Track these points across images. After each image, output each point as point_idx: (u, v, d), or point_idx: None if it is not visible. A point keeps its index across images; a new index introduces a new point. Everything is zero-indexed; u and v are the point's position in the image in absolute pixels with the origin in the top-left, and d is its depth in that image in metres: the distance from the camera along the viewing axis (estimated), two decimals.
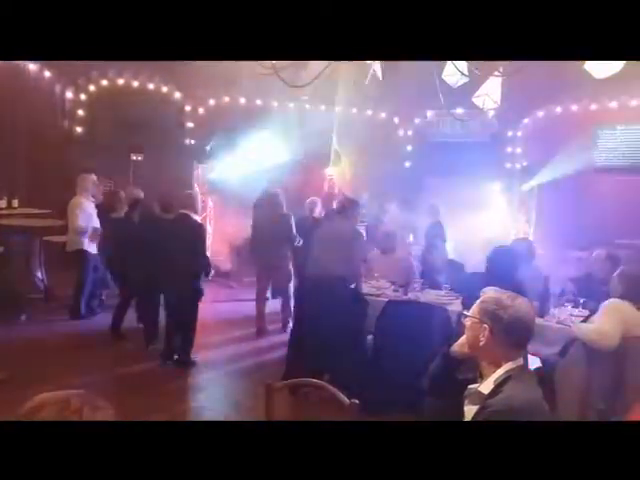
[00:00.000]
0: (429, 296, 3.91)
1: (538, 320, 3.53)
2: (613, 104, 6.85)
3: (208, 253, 4.36)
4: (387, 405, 2.91)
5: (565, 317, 3.52)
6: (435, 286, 4.12)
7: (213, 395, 3.90)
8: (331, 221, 4.15)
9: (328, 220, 4.04)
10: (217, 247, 7.40)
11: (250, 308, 5.37)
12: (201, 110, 7.52)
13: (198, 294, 4.26)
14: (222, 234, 7.44)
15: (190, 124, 7.49)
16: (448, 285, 4.00)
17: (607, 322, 2.89)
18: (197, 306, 4.26)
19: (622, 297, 3.03)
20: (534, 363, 3.65)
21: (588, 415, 2.85)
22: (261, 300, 5.30)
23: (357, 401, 1.79)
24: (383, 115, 7.93)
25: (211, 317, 5.35)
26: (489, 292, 1.73)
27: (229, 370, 4.29)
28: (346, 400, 1.80)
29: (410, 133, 7.98)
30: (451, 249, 5.76)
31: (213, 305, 5.70)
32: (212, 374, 4.20)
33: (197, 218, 4.31)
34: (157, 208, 4.79)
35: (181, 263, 4.09)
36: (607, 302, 3.02)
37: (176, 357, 4.23)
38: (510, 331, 1.60)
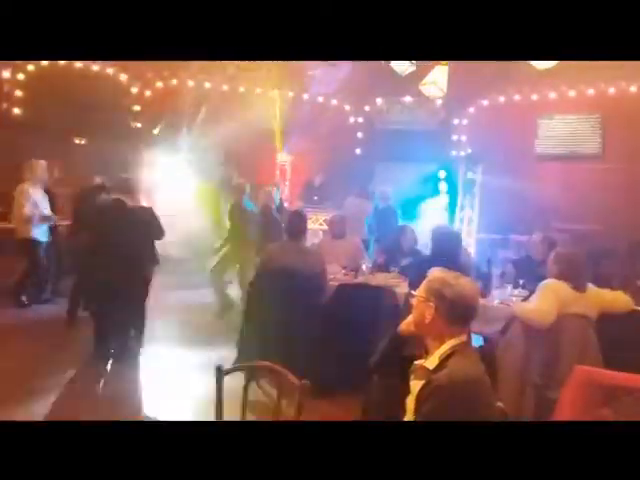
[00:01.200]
0: (379, 279, 4.01)
1: (481, 300, 3.71)
2: (552, 95, 7.17)
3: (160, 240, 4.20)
4: (338, 385, 2.98)
5: (506, 297, 3.70)
6: (384, 269, 4.23)
7: (164, 384, 3.84)
8: (287, 254, 3.81)
9: (284, 253, 3.81)
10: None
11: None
12: (148, 93, 7.29)
13: (146, 283, 4.16)
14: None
15: (136, 107, 7.25)
16: (396, 268, 4.10)
17: (544, 301, 3.06)
18: (146, 295, 4.16)
19: (558, 277, 3.20)
20: (478, 341, 3.83)
21: (526, 389, 3.02)
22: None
23: (308, 382, 1.82)
24: (334, 102, 7.97)
25: (163, 304, 5.29)
26: (435, 272, 1.81)
27: (180, 358, 4.24)
28: (296, 381, 1.84)
29: (361, 120, 8.06)
30: None
31: (165, 292, 5.62)
32: (163, 363, 4.13)
33: (135, 203, 4.09)
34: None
35: (127, 253, 3.95)
36: (544, 282, 3.19)
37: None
38: (454, 308, 1.69)
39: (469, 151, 7.53)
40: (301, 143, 7.64)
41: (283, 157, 7.84)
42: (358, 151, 8.00)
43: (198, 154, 7.12)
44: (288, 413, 1.82)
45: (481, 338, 3.76)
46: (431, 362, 1.67)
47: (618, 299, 3.31)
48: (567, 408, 2.11)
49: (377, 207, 6.55)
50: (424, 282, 1.81)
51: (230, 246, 5.37)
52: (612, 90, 6.81)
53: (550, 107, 7.23)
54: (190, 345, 4.48)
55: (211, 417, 1.89)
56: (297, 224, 3.86)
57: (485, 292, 3.80)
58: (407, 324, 1.86)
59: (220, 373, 1.93)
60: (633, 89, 6.73)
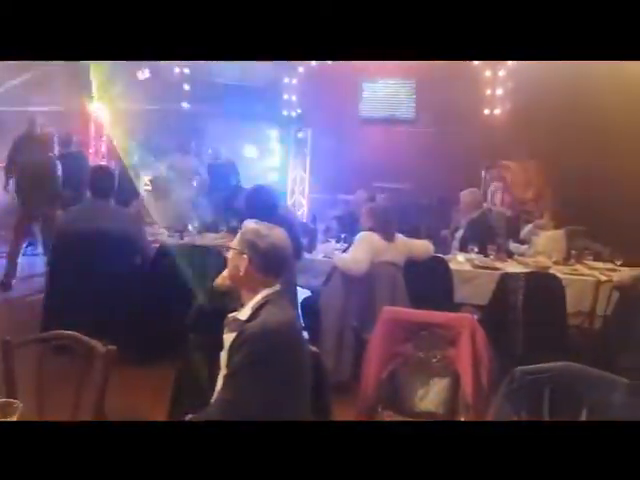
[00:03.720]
0: (206, 239, 3.91)
1: (306, 255, 3.86)
2: None
3: None
4: (160, 350, 2.89)
5: (329, 251, 3.89)
6: (212, 229, 4.13)
7: None
8: (91, 215, 3.42)
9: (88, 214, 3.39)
10: None
11: None
12: None
13: None
14: None
15: None
16: (224, 228, 4.04)
17: (358, 251, 3.28)
18: None
19: (371, 229, 3.45)
20: (305, 294, 3.99)
21: (344, 332, 3.23)
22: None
23: (114, 347, 1.70)
24: None
25: None
26: (248, 224, 1.78)
27: None
28: (102, 348, 1.70)
29: (187, 71, 7.54)
30: None
31: None
32: None
33: None
34: None
35: None
36: (359, 234, 3.42)
37: None
38: (267, 259, 1.68)
39: (299, 111, 7.64)
40: (118, 93, 6.93)
41: (98, 107, 6.99)
42: (185, 105, 7.56)
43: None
44: (94, 382, 1.68)
45: (309, 291, 3.93)
46: (244, 313, 1.65)
47: (423, 247, 3.69)
48: (375, 345, 2.29)
49: (210, 165, 6.34)
50: (238, 234, 1.77)
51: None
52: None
53: (373, 71, 7.56)
54: None
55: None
56: (103, 181, 3.49)
57: (310, 247, 3.96)
58: (222, 278, 1.82)
59: (8, 346, 1.70)
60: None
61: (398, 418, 2.31)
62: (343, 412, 2.36)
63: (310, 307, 3.55)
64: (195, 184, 6.01)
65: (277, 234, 1.71)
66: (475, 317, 3.54)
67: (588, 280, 3.72)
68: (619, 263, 4.00)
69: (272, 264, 1.69)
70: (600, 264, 4.12)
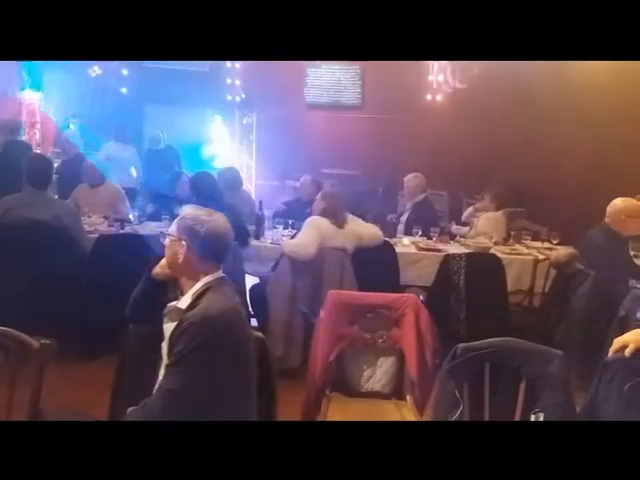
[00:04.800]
0: (148, 228, 3.79)
1: (254, 242, 3.82)
2: None
3: None
4: (91, 345, 2.81)
5: (277, 237, 3.86)
6: (155, 218, 4.01)
7: None
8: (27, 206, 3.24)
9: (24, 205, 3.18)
10: None
11: None
12: None
13: None
14: None
15: None
16: (167, 215, 3.92)
17: (306, 235, 3.28)
18: None
19: (321, 214, 3.44)
20: (254, 281, 3.95)
21: (293, 318, 3.23)
22: None
23: (49, 341, 1.62)
24: None
25: None
26: (187, 209, 1.72)
27: None
28: (35, 343, 1.61)
29: None
30: None
31: None
32: None
33: None
34: None
35: None
36: (308, 219, 3.41)
37: None
38: (207, 245, 1.63)
39: (243, 96, 7.50)
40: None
41: (29, 95, 6.59)
42: (124, 90, 7.26)
43: None
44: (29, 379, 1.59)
45: (257, 279, 3.89)
46: (184, 301, 1.60)
47: (372, 233, 3.72)
48: (322, 328, 2.30)
49: (150, 151, 6.13)
50: (176, 220, 1.71)
51: None
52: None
53: None
54: None
55: None
56: (41, 171, 3.33)
57: (258, 234, 3.92)
58: (161, 266, 1.76)
59: None
60: None
61: (346, 399, 2.33)
62: (292, 397, 2.37)
63: (258, 294, 3.52)
64: (133, 172, 5.80)
65: (217, 219, 1.67)
66: (421, 297, 3.65)
67: (526, 259, 3.87)
68: (556, 242, 4.18)
69: (212, 250, 1.65)
70: (538, 243, 4.30)
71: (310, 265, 3.25)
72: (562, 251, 3.58)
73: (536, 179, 6.12)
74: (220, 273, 1.68)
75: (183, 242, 1.63)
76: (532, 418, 1.18)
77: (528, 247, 4.18)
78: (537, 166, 6.22)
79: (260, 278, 3.82)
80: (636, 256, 3.80)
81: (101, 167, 4.30)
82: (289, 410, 2.24)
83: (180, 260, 1.64)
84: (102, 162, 4.54)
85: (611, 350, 1.91)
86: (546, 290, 3.65)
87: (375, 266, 3.58)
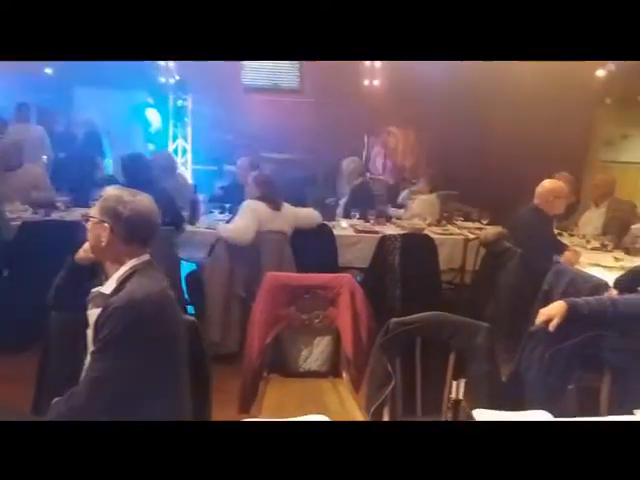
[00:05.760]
0: (75, 214, 3.61)
1: (189, 227, 3.73)
2: None
3: None
4: (15, 335, 2.67)
5: (213, 222, 3.79)
6: (82, 204, 3.82)
7: None
8: None
9: None
10: None
11: None
12: None
13: None
14: None
15: None
16: (97, 201, 3.75)
17: (242, 220, 3.23)
18: None
19: (257, 198, 3.41)
20: (190, 267, 3.87)
21: (230, 303, 3.20)
22: None
23: None
24: None
25: None
26: (109, 190, 1.64)
27: None
28: None
29: None
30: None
31: None
32: None
33: None
34: None
35: None
36: (244, 203, 3.37)
37: None
38: (131, 226, 1.57)
39: (177, 78, 7.25)
40: None
41: None
42: (48, 70, 6.82)
43: None
44: None
45: (194, 265, 3.81)
46: (108, 286, 1.54)
47: (309, 215, 3.73)
48: (258, 311, 2.29)
49: (75, 137, 5.82)
50: (97, 202, 1.63)
51: None
52: None
53: None
54: None
55: None
56: None
57: (193, 219, 3.82)
58: (84, 251, 1.68)
59: None
60: None
61: (283, 380, 2.34)
62: (230, 381, 2.35)
63: (194, 281, 3.45)
64: (45, 155, 5.46)
65: (141, 200, 1.60)
66: (358, 279, 3.71)
67: (458, 239, 4.02)
68: (485, 222, 4.37)
69: (137, 232, 1.58)
70: (469, 224, 4.48)
71: (248, 249, 3.22)
72: (490, 230, 3.74)
73: (468, 163, 6.35)
74: (147, 256, 1.62)
75: (105, 224, 1.56)
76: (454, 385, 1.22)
77: (460, 227, 4.34)
78: (469, 150, 6.45)
79: (196, 264, 3.75)
80: (560, 234, 4.05)
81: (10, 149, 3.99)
82: (227, 395, 2.23)
83: (103, 243, 1.56)
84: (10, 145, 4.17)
85: (536, 322, 2.03)
86: (476, 268, 3.81)
87: (314, 249, 3.60)
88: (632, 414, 1.56)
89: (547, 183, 3.46)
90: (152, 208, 1.62)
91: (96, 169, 4.08)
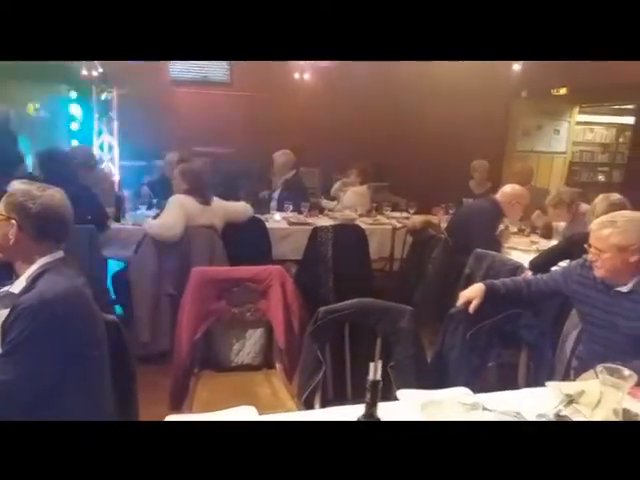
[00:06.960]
0: None
1: (114, 225, 3.59)
2: None
3: None
4: None
5: (140, 219, 3.66)
6: None
7: None
8: None
9: None
10: None
11: None
12: None
13: None
14: None
15: None
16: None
17: (169, 215, 3.14)
18: None
19: (185, 192, 3.32)
20: (117, 267, 3.73)
21: (160, 301, 3.11)
22: None
23: None
24: None
25: None
26: (16, 184, 1.55)
27: None
28: None
29: None
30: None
31: None
32: None
33: None
34: None
35: None
36: (171, 198, 3.27)
37: None
38: (41, 223, 1.49)
39: (100, 70, 6.93)
40: None
41: None
42: None
43: None
44: None
45: (122, 263, 3.68)
46: (17, 286, 1.45)
47: (240, 209, 3.69)
48: (187, 307, 2.24)
49: None
50: (3, 198, 1.53)
51: None
52: None
53: None
54: None
55: None
56: None
57: (118, 216, 3.69)
58: None
59: None
60: None
61: (215, 374, 2.32)
62: (160, 380, 2.30)
63: (121, 280, 3.33)
64: None
65: (52, 194, 1.52)
66: (293, 270, 3.73)
67: (386, 228, 4.13)
68: (412, 212, 4.51)
69: (47, 229, 1.50)
70: (397, 213, 4.61)
71: (177, 245, 3.14)
72: (417, 219, 3.87)
73: (397, 156, 6.53)
74: (60, 254, 1.54)
75: (13, 221, 1.47)
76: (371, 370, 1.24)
77: (388, 217, 4.46)
78: (397, 143, 6.63)
79: (122, 262, 3.62)
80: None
81: None
82: (157, 394, 2.18)
83: (11, 242, 1.47)
84: None
85: (457, 304, 2.13)
86: (404, 256, 3.93)
87: (247, 243, 3.57)
88: (544, 386, 1.66)
89: (517, 188, 3.49)
90: (64, 203, 1.55)
91: (13, 166, 3.81)
